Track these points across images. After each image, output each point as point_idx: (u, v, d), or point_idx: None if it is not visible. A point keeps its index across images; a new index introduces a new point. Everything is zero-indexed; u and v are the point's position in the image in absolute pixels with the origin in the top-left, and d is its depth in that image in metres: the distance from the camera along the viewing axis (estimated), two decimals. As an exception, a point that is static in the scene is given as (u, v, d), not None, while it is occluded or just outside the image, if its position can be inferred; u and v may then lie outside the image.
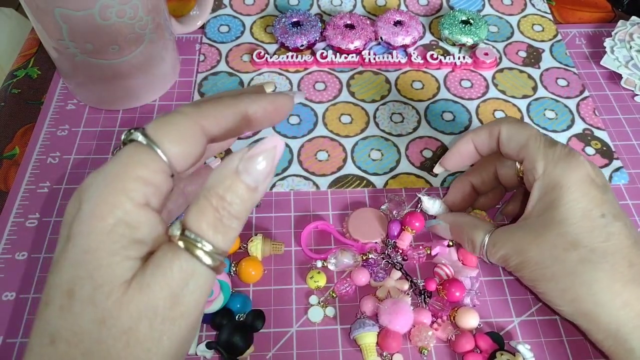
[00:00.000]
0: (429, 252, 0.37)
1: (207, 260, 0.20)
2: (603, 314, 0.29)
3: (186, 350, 0.22)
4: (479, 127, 0.35)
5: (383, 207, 0.39)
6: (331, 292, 0.36)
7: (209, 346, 0.33)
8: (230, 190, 0.20)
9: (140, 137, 0.21)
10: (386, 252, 0.37)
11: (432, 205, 0.38)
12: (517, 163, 0.34)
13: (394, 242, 0.38)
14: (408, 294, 0.36)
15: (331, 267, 0.36)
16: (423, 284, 0.36)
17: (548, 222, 0.30)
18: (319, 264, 0.37)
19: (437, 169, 0.38)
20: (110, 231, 0.20)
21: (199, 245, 0.20)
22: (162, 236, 0.21)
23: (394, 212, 0.39)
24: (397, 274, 0.36)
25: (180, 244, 0.20)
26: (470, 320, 0.34)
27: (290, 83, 0.48)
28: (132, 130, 0.21)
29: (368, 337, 0.33)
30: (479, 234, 0.34)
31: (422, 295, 0.36)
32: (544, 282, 0.31)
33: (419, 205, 0.39)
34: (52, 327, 0.19)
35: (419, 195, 0.39)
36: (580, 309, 0.30)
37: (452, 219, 0.36)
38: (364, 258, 0.37)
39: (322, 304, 0.35)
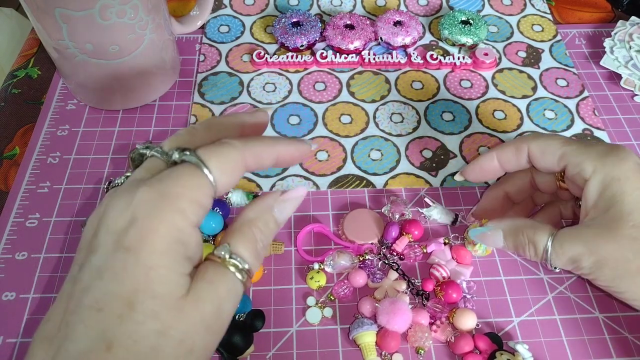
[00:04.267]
0: (425, 250, 0.37)
1: (243, 279, 0.24)
2: None
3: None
4: (504, 145, 0.35)
5: (384, 208, 0.39)
6: (329, 295, 0.36)
7: (209, 346, 0.33)
8: (267, 225, 0.25)
9: (195, 160, 0.23)
10: (382, 252, 0.37)
11: (436, 213, 0.39)
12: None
13: (389, 243, 0.38)
14: (406, 293, 0.36)
15: (328, 269, 0.36)
16: (420, 283, 0.36)
17: (618, 216, 0.29)
18: (316, 266, 0.37)
19: (458, 177, 0.37)
20: (170, 249, 0.22)
21: (242, 266, 0.24)
22: (201, 254, 0.24)
23: (396, 214, 0.39)
24: (394, 274, 0.36)
25: (231, 267, 0.23)
26: (468, 321, 0.34)
27: (290, 83, 0.48)
28: (186, 152, 0.23)
29: (367, 337, 0.33)
30: (542, 236, 0.31)
31: (421, 296, 0.36)
32: (628, 278, 0.29)
33: (424, 212, 0.39)
34: (109, 334, 0.21)
35: (430, 203, 0.39)
36: None
37: (508, 223, 0.33)
38: (361, 259, 0.37)
39: (319, 305, 0.35)
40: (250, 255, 0.24)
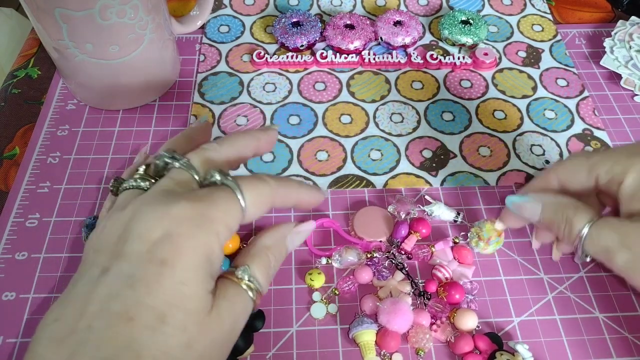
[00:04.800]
0: (433, 249, 0.37)
1: (255, 299, 0.26)
2: None
3: None
4: (531, 184, 0.33)
5: (390, 207, 0.39)
6: (334, 289, 0.36)
7: (209, 346, 0.33)
8: (280, 252, 0.28)
9: (235, 188, 0.25)
10: (391, 251, 0.37)
11: (437, 208, 0.39)
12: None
13: (398, 242, 0.38)
14: (409, 294, 0.36)
15: (336, 264, 0.36)
16: (423, 284, 0.36)
17: None
18: (324, 261, 0.37)
19: (498, 226, 0.36)
20: (201, 267, 0.23)
21: (254, 287, 0.26)
22: (219, 273, 0.25)
23: (402, 213, 0.39)
24: (400, 274, 0.36)
25: (245, 288, 0.25)
26: (468, 321, 0.34)
27: (290, 83, 0.48)
28: (228, 177, 0.25)
29: (366, 335, 0.33)
30: (582, 218, 0.29)
31: (422, 297, 0.36)
32: None
33: (426, 209, 0.39)
34: (138, 344, 0.21)
35: (430, 201, 0.39)
36: None
37: (551, 198, 0.31)
38: (369, 256, 0.37)
39: (324, 300, 0.36)
40: (264, 278, 0.26)
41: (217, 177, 0.25)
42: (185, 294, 0.22)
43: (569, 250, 0.35)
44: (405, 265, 0.37)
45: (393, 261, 0.37)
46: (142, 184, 0.26)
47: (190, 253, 0.23)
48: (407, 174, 0.43)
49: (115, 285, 0.22)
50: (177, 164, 0.26)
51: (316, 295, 0.36)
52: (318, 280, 0.36)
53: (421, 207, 0.40)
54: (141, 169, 0.27)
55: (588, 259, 0.30)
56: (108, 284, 0.22)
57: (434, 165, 0.43)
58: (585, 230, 0.29)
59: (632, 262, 0.27)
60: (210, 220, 0.23)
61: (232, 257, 0.37)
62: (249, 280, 0.26)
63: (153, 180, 0.27)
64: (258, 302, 0.26)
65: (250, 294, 0.25)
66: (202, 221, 0.23)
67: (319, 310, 0.35)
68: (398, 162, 0.43)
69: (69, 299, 0.23)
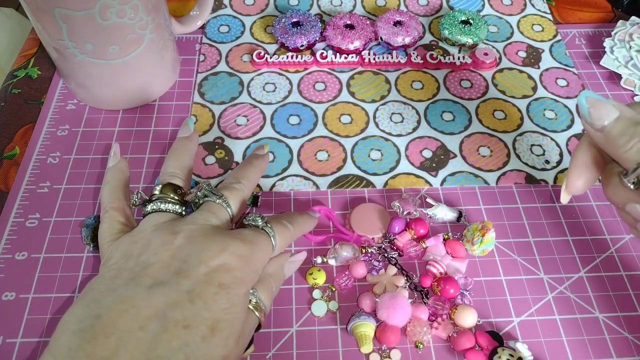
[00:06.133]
0: (424, 245, 0.37)
1: (260, 316, 0.30)
2: None
3: None
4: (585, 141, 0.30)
5: (395, 202, 0.39)
6: (330, 286, 0.36)
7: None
8: (279, 278, 0.33)
9: (272, 235, 0.32)
10: (382, 246, 0.38)
11: (440, 210, 0.39)
12: None
13: (392, 237, 0.38)
14: (405, 288, 0.36)
15: (332, 262, 0.36)
16: (417, 280, 0.36)
17: None
18: (319, 260, 0.37)
19: (564, 198, 0.31)
20: (247, 296, 0.29)
21: (261, 307, 0.31)
22: None
23: (405, 211, 0.39)
24: (393, 269, 0.37)
25: (253, 309, 0.30)
26: (468, 318, 0.34)
27: (290, 83, 0.48)
28: (269, 225, 0.32)
29: (363, 327, 0.33)
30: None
31: (420, 293, 0.36)
32: None
33: (428, 212, 0.39)
34: (190, 349, 0.25)
35: (432, 203, 0.39)
36: None
37: (629, 110, 0.27)
38: (363, 252, 0.37)
39: (324, 298, 0.36)
40: (268, 300, 0.31)
41: (260, 222, 0.31)
42: (235, 315, 0.27)
43: (592, 183, 0.30)
44: (397, 259, 0.37)
45: (385, 255, 0.37)
46: (178, 209, 0.32)
47: (243, 283, 0.28)
48: (407, 174, 0.43)
49: (174, 297, 0.26)
50: (217, 201, 0.31)
51: (317, 293, 0.36)
52: (320, 277, 0.36)
53: (424, 210, 0.40)
54: (171, 194, 0.32)
55: (633, 187, 0.27)
56: (165, 294, 0.26)
57: (434, 165, 0.43)
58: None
59: None
60: (255, 259, 0.29)
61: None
62: (256, 302, 0.30)
63: (184, 207, 0.32)
64: (264, 322, 0.31)
65: (258, 314, 0.30)
66: (251, 259, 0.29)
67: (319, 308, 0.35)
68: (398, 162, 0.43)
69: (105, 298, 0.26)
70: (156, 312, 0.25)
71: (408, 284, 0.36)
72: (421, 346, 0.33)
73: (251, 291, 0.30)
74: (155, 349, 0.24)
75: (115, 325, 0.24)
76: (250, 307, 0.30)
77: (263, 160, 0.37)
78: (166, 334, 0.25)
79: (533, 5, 0.56)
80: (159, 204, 0.31)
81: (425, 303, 0.35)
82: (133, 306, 0.25)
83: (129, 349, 0.24)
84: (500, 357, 0.32)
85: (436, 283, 0.36)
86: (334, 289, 0.36)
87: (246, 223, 0.32)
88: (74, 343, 0.24)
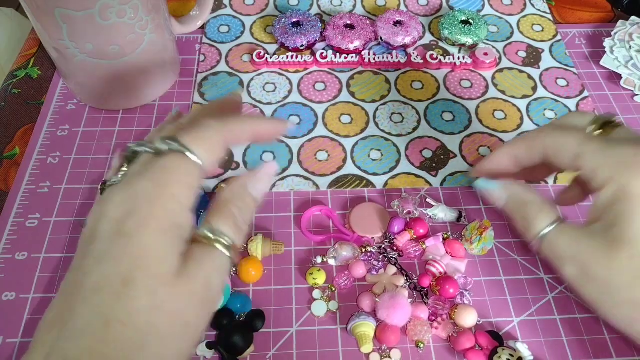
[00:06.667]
0: (424, 246, 0.38)
1: (229, 253, 0.25)
2: None
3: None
4: (516, 139, 0.32)
5: (395, 202, 0.40)
6: (330, 286, 0.36)
7: (209, 346, 0.33)
8: (243, 201, 0.27)
9: (178, 148, 0.25)
10: (382, 246, 0.38)
11: (440, 211, 0.39)
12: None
13: (391, 236, 0.38)
14: (405, 287, 0.36)
15: (331, 262, 0.36)
16: (417, 279, 0.36)
17: (619, 238, 0.26)
18: (319, 259, 0.37)
19: (475, 179, 0.33)
20: (166, 231, 0.23)
21: (224, 242, 0.25)
22: (192, 234, 0.25)
23: (405, 210, 0.39)
24: (393, 268, 0.37)
25: (216, 245, 0.25)
26: (469, 318, 0.34)
27: (290, 83, 0.48)
28: (168, 141, 0.25)
29: (363, 327, 0.33)
30: (541, 222, 0.28)
31: (420, 293, 0.36)
32: (610, 304, 0.27)
33: (429, 212, 0.39)
34: (106, 311, 0.22)
35: (432, 203, 0.39)
36: None
37: (515, 191, 0.30)
38: (363, 251, 0.37)
39: (324, 298, 0.36)
40: (230, 230, 0.25)
41: (162, 145, 0.25)
42: (150, 258, 0.23)
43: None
44: (397, 258, 0.37)
45: (385, 255, 0.37)
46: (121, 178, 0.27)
47: (151, 221, 0.23)
48: (407, 174, 0.43)
49: (89, 265, 0.23)
50: (141, 149, 0.26)
51: (316, 293, 0.36)
52: (320, 277, 0.36)
53: (423, 210, 0.40)
54: (124, 167, 0.27)
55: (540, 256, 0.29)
56: (83, 266, 0.23)
57: (434, 165, 0.43)
58: (544, 233, 0.28)
59: (583, 279, 0.27)
60: (164, 186, 0.24)
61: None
62: (214, 236, 0.25)
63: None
64: (235, 255, 0.26)
65: (222, 249, 0.25)
66: (158, 190, 0.24)
67: (319, 308, 0.35)
68: (398, 162, 0.43)
69: (59, 291, 0.24)
70: (78, 287, 0.22)
71: (408, 283, 0.36)
72: (422, 345, 0.33)
73: (205, 226, 0.25)
74: (77, 324, 0.22)
75: (59, 313, 0.23)
76: (215, 244, 0.25)
77: (225, 99, 0.31)
78: (83, 306, 0.22)
79: (533, 5, 0.56)
80: (107, 183, 0.27)
81: (425, 303, 0.35)
82: (66, 291, 0.23)
83: (63, 334, 0.22)
84: (500, 357, 0.32)
85: (435, 283, 0.36)
86: (334, 289, 0.36)
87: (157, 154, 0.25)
88: (37, 338, 0.23)
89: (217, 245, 0.25)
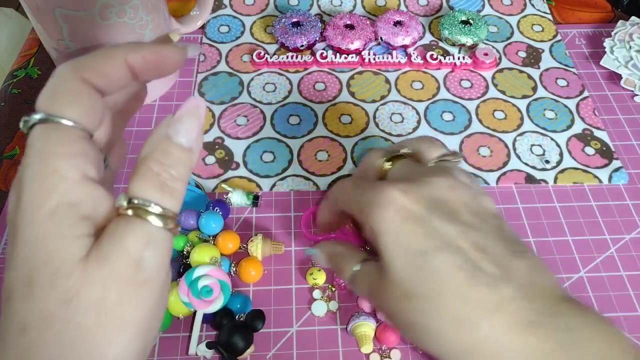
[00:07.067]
0: None
1: (159, 222, 0.20)
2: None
3: (159, 320, 0.22)
4: (322, 203, 0.34)
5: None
6: (330, 286, 0.36)
7: (209, 346, 0.33)
8: (167, 153, 0.21)
9: (40, 117, 0.20)
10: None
11: None
12: None
13: None
14: None
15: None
16: None
17: (383, 269, 0.27)
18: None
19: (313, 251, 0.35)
20: (53, 215, 0.19)
21: (149, 209, 0.20)
22: (111, 209, 0.21)
23: None
24: None
25: (130, 212, 0.20)
26: None
27: (290, 83, 0.48)
28: (27, 118, 0.21)
29: (363, 327, 0.33)
30: (347, 267, 0.30)
31: None
32: (402, 331, 0.28)
33: None
34: (19, 317, 0.19)
35: None
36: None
37: (326, 249, 0.33)
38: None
39: (324, 298, 0.36)
40: (155, 192, 0.21)
41: (22, 125, 0.21)
42: (44, 250, 0.19)
43: None
44: None
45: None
46: None
47: (33, 208, 0.20)
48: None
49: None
50: (23, 128, 0.22)
51: (317, 293, 0.36)
52: (320, 277, 0.36)
53: None
54: None
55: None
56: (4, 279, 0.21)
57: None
58: (350, 275, 0.30)
59: (378, 309, 0.32)
60: (40, 165, 0.20)
61: (232, 258, 0.37)
62: (132, 204, 0.20)
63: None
64: (172, 226, 0.21)
65: (149, 217, 0.20)
66: (33, 172, 0.20)
67: (320, 308, 0.35)
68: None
69: None
70: (4, 298, 0.21)
71: None
72: None
73: (120, 195, 0.21)
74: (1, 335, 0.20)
75: None
76: (129, 212, 0.20)
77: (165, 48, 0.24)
78: (2, 319, 0.20)
79: (533, 6, 0.56)
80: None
81: None
82: None
83: None
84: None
85: None
86: (334, 289, 0.36)
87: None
88: None
89: (141, 214, 0.20)
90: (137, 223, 0.20)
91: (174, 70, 0.24)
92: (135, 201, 0.20)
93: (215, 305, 0.33)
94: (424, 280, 0.25)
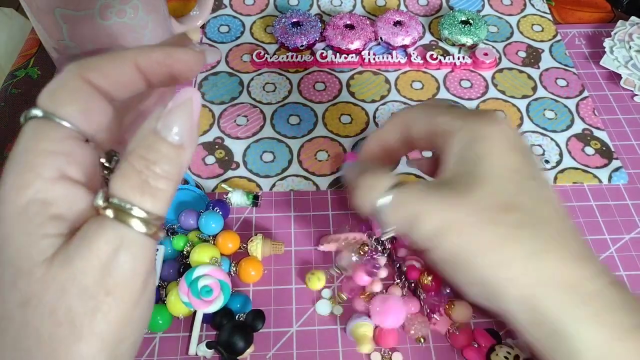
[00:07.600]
0: None
1: (138, 226, 0.19)
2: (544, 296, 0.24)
3: (137, 330, 0.20)
4: (385, 125, 0.31)
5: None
6: (339, 294, 0.36)
7: (209, 346, 0.33)
8: (152, 149, 0.19)
9: (36, 113, 0.20)
10: (375, 238, 0.36)
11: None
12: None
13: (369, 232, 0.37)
14: (398, 284, 0.36)
15: (345, 272, 0.36)
16: (405, 269, 0.36)
17: (476, 178, 0.25)
18: (334, 272, 0.36)
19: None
20: (22, 212, 0.18)
21: (127, 211, 0.18)
22: (88, 210, 0.20)
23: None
24: (384, 272, 0.36)
25: (108, 212, 0.18)
26: (463, 312, 0.34)
27: (290, 83, 0.48)
28: (26, 112, 0.20)
29: (362, 327, 0.33)
30: (384, 181, 0.26)
31: (410, 284, 0.36)
32: (469, 254, 0.25)
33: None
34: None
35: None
36: (521, 284, 0.24)
37: (358, 165, 0.30)
38: (361, 253, 0.36)
39: (332, 301, 0.36)
40: (134, 192, 0.19)
41: (21, 119, 0.21)
42: (9, 248, 0.18)
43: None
44: (389, 248, 0.36)
45: (379, 248, 0.36)
46: None
47: (2, 204, 0.19)
48: (407, 174, 0.43)
49: None
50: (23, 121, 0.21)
51: (326, 292, 0.36)
52: (322, 281, 0.36)
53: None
54: None
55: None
56: None
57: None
58: (386, 195, 0.26)
59: (440, 232, 0.25)
60: (19, 160, 0.20)
61: (232, 258, 0.37)
62: (110, 204, 0.19)
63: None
64: (154, 230, 0.19)
65: (126, 219, 0.19)
66: (12, 167, 0.19)
67: (324, 307, 0.35)
68: (398, 162, 0.43)
69: None
70: None
71: (398, 276, 0.36)
72: (423, 340, 0.34)
73: (97, 193, 0.19)
74: None
75: None
76: (108, 213, 0.19)
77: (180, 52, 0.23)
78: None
79: (533, 6, 0.56)
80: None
81: (418, 297, 0.35)
82: None
83: None
84: (497, 354, 0.32)
85: (424, 274, 0.35)
86: (344, 297, 0.36)
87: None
88: None
89: (119, 215, 0.19)
90: (110, 225, 0.18)
91: (191, 75, 0.23)
92: (113, 200, 0.19)
93: (215, 305, 0.33)
94: (535, 201, 0.25)
